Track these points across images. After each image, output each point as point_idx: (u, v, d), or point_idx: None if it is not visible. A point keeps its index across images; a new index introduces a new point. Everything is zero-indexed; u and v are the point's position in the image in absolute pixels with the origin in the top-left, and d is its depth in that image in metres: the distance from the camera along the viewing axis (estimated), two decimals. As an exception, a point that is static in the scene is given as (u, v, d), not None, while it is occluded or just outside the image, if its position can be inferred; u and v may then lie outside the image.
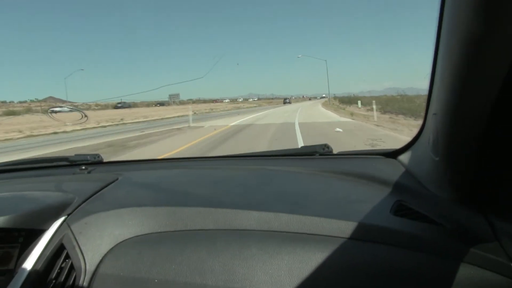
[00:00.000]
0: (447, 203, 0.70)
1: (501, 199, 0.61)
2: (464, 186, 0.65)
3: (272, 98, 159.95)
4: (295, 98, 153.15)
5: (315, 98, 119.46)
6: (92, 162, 1.37)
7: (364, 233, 0.65)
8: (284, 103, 65.71)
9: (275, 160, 1.29)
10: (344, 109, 26.13)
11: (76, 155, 1.40)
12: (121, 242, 0.72)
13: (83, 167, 1.27)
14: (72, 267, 0.67)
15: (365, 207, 0.74)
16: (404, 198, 0.79)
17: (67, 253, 0.69)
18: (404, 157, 1.01)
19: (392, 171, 0.96)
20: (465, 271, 0.58)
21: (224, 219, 0.74)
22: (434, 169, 0.72)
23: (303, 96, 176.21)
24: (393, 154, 1.10)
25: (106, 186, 0.97)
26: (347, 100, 38.71)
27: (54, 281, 0.66)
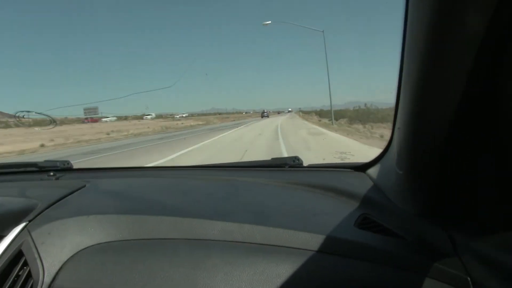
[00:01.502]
0: (411, 217, 0.71)
1: (461, 214, 0.62)
2: (426, 200, 0.66)
3: (232, 113, 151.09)
4: (256, 112, 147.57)
5: (282, 112, 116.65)
6: (61, 169, 1.34)
7: (326, 246, 0.66)
8: (262, 116, 60.27)
9: (245, 171, 1.28)
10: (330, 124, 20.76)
11: (45, 161, 1.39)
12: (82, 249, 0.71)
13: (52, 173, 1.25)
14: (29, 276, 0.65)
15: (329, 220, 0.75)
16: (369, 211, 0.80)
17: (25, 260, 0.68)
18: (373, 171, 1.02)
19: (360, 184, 0.96)
20: (425, 285, 0.59)
21: (188, 229, 0.73)
22: (398, 182, 0.72)
23: (264, 111, 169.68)
24: (362, 167, 1.10)
25: (71, 193, 0.95)
26: (319, 113, 39.66)
27: None
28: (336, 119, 23.04)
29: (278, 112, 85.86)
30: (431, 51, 0.46)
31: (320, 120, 30.23)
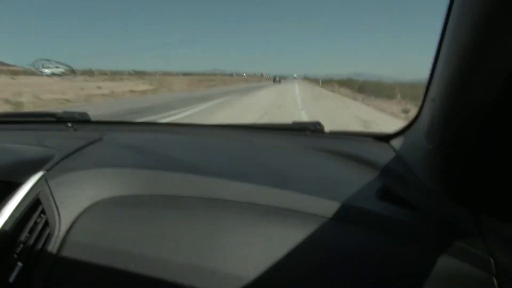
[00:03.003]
0: (434, 193, 0.68)
1: (489, 195, 0.59)
2: (454, 177, 0.63)
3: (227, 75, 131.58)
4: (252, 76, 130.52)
5: (284, 78, 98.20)
6: (79, 120, 1.34)
7: (346, 214, 0.65)
8: (274, 81, 58.00)
9: (265, 133, 1.27)
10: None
11: (64, 112, 1.37)
12: (97, 202, 0.71)
13: (70, 125, 1.25)
14: (46, 225, 0.67)
15: (350, 188, 0.74)
16: (392, 183, 0.78)
17: (42, 209, 0.69)
18: (396, 142, 0.99)
19: (383, 155, 0.94)
20: (445, 262, 0.58)
21: (205, 187, 0.73)
22: (426, 157, 0.70)
23: (262, 74, 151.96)
24: (385, 138, 1.08)
25: (89, 145, 0.95)
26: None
27: (27, 237, 0.64)
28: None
29: (277, 79, 67.73)
30: (483, 19, 0.43)
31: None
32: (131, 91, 20.72)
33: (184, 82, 35.89)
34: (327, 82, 48.40)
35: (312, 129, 1.20)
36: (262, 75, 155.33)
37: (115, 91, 19.64)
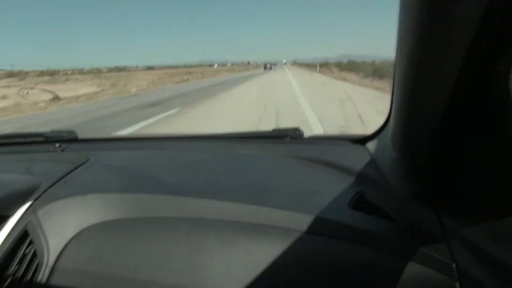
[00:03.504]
0: (404, 199, 0.71)
1: (454, 200, 0.62)
2: (420, 183, 0.66)
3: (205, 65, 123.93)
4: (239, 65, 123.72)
5: (274, 65, 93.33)
6: (67, 140, 1.36)
7: (319, 227, 0.67)
8: (265, 68, 58.58)
9: (246, 142, 1.28)
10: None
11: (51, 131, 1.39)
12: (85, 228, 0.73)
13: (57, 145, 1.27)
14: (34, 255, 0.69)
15: (325, 199, 0.76)
16: (365, 189, 0.81)
17: (30, 240, 0.71)
18: (372, 145, 1.00)
19: (359, 159, 0.95)
20: (412, 269, 0.61)
21: (187, 208, 0.75)
22: (393, 162, 0.72)
23: (249, 62, 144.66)
24: (362, 140, 1.09)
25: (76, 169, 0.97)
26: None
27: (16, 268, 0.67)
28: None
29: (269, 66, 65.72)
30: (428, 27, 0.43)
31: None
32: (53, 100, 14.20)
33: (150, 78, 29.17)
34: (322, 66, 42.38)
35: (292, 136, 1.23)
36: (248, 63, 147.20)
37: (23, 102, 13.13)
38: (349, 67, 30.68)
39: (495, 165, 0.52)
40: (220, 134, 1.39)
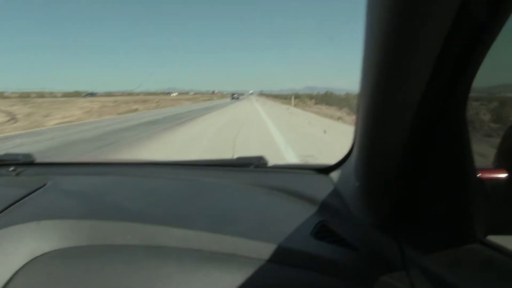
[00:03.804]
0: (366, 228, 0.72)
1: (413, 228, 0.63)
2: (381, 212, 0.67)
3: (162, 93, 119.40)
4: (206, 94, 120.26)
5: (241, 95, 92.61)
6: (23, 163, 1.29)
7: (281, 256, 0.67)
8: (232, 98, 57.91)
9: (210, 170, 1.26)
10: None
11: (6, 154, 1.33)
12: (37, 257, 0.69)
13: (12, 168, 1.21)
14: None
15: (287, 228, 0.76)
16: (328, 218, 0.81)
17: None
18: (335, 175, 1.02)
19: (322, 188, 0.96)
20: None
21: (147, 235, 0.73)
22: (355, 192, 0.73)
23: (213, 92, 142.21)
24: (326, 170, 1.10)
25: (31, 193, 0.93)
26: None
27: None
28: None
29: (235, 96, 63.03)
30: (390, 58, 0.44)
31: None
32: None
33: (89, 107, 23.97)
34: (295, 98, 39.29)
35: (256, 164, 1.22)
36: (213, 92, 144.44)
37: None
38: (326, 100, 27.15)
39: (453, 195, 0.54)
40: (184, 161, 1.37)
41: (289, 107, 25.25)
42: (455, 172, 0.54)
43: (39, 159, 1.32)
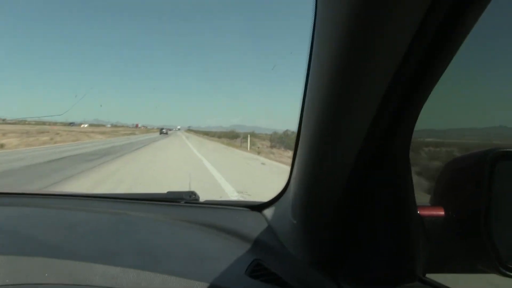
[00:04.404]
0: (303, 265, 0.69)
1: (351, 266, 0.62)
2: (318, 250, 0.66)
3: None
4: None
5: (170, 130, 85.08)
6: None
7: None
8: (161, 133, 53.94)
9: (139, 204, 1.20)
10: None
11: None
12: None
13: None
14: None
15: (220, 266, 0.73)
16: (262, 256, 0.78)
17: None
18: (269, 212, 0.99)
19: (255, 226, 0.93)
20: None
21: (68, 272, 0.67)
22: (292, 229, 0.71)
23: (137, 125, 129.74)
24: (259, 207, 1.07)
25: None
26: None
27: None
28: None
29: (161, 131, 58.43)
30: (335, 93, 0.45)
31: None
32: None
33: None
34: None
35: (187, 199, 1.18)
36: (137, 125, 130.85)
37: None
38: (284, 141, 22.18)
39: (394, 233, 0.53)
40: (112, 195, 1.29)
41: (259, 157, 14.51)
42: (397, 209, 0.53)
43: None
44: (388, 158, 0.51)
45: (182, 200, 1.17)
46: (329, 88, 0.44)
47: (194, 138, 39.85)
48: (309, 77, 0.50)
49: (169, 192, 1.22)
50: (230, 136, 38.63)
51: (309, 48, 0.50)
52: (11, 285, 0.64)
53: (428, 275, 0.55)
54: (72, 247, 0.77)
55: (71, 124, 64.45)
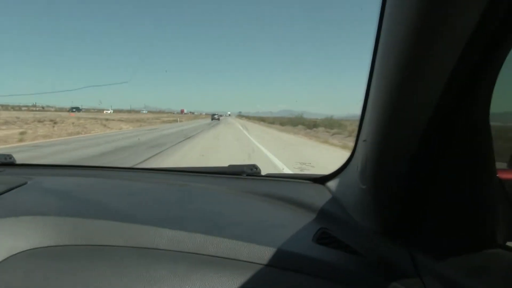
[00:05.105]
0: (371, 234, 0.68)
1: (425, 234, 0.60)
2: (389, 217, 0.64)
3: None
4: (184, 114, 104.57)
5: (221, 116, 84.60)
6: (2, 163, 1.25)
7: (282, 261, 0.63)
8: (213, 119, 53.47)
9: (201, 177, 1.21)
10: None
11: None
12: (14, 255, 0.64)
13: None
14: None
15: (286, 233, 0.72)
16: (328, 226, 0.78)
17: None
18: (332, 184, 0.99)
19: (319, 197, 0.93)
20: None
21: (134, 236, 0.68)
22: (360, 198, 0.71)
23: (182, 111, 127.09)
24: (322, 180, 1.07)
25: (10, 190, 0.89)
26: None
27: None
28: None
29: (213, 117, 56.76)
30: (404, 68, 0.45)
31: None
32: None
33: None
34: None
35: (249, 172, 1.17)
36: (182, 111, 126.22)
37: None
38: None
39: (471, 198, 0.52)
40: (174, 168, 1.30)
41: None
42: (473, 173, 0.51)
43: (19, 160, 1.27)
44: (466, 116, 0.48)
45: (244, 173, 1.18)
46: (402, 52, 0.43)
47: (254, 128, 28.11)
48: (380, 38, 0.49)
49: (230, 166, 1.22)
50: (295, 123, 28.30)
51: (380, 9, 0.49)
52: (80, 245, 0.66)
53: (509, 243, 0.52)
54: (138, 213, 0.78)
55: (73, 110, 58.87)
